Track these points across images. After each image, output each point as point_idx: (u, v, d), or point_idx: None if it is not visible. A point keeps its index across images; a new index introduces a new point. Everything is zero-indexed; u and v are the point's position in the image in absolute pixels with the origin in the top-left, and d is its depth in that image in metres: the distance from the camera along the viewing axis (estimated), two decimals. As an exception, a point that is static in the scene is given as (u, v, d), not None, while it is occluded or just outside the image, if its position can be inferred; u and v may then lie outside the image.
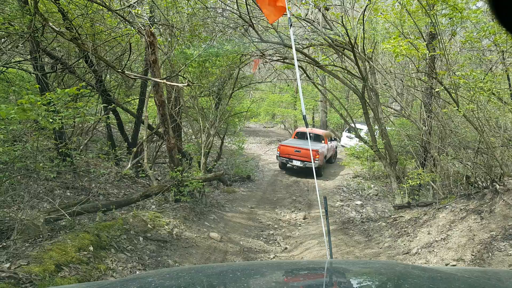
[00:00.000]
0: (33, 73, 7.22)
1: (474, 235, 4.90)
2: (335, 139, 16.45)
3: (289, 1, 8.79)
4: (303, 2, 8.79)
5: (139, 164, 8.92)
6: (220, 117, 10.03)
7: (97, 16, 7.36)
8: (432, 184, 7.66)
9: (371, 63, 7.90)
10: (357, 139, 10.72)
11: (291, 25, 4.58)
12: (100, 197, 6.98)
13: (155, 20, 7.77)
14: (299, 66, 9.21)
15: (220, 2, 9.17)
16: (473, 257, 4.52)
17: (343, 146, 18.82)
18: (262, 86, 22.04)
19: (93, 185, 7.37)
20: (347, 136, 19.23)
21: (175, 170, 7.12)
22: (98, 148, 10.18)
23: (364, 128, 11.78)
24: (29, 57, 7.00)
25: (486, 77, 5.79)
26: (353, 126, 9.97)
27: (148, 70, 8.12)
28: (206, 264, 5.04)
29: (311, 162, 4.33)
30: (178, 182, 7.14)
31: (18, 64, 7.41)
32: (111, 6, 6.78)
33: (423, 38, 7.43)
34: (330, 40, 7.72)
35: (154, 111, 10.61)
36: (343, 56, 8.56)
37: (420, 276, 1.61)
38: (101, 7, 6.62)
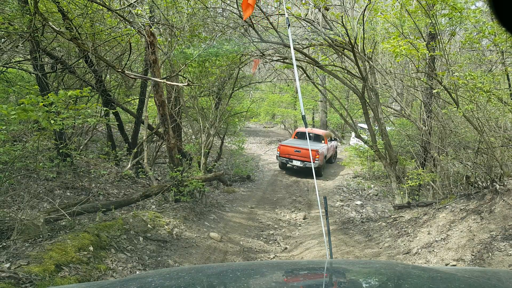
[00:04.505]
0: (33, 73, 7.22)
1: (474, 235, 4.90)
2: (335, 139, 16.45)
3: (289, 1, 8.80)
4: (303, 2, 8.79)
5: (139, 164, 8.92)
6: (220, 117, 10.04)
7: (97, 16, 7.36)
8: (432, 184, 7.66)
9: (371, 63, 7.90)
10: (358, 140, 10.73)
11: (289, 25, 4.58)
12: (100, 197, 6.98)
13: (155, 20, 7.77)
14: (299, 66, 9.23)
15: (220, 2, 9.16)
16: (473, 257, 4.52)
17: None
18: (262, 86, 22.04)
19: (93, 185, 7.37)
20: (355, 137, 19.18)
21: (175, 170, 7.12)
22: (98, 148, 10.19)
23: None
24: (29, 57, 7.01)
25: (485, 77, 5.79)
26: (353, 125, 9.97)
27: (148, 70, 8.13)
28: (206, 264, 5.04)
29: (311, 162, 4.33)
30: (178, 182, 7.13)
31: (18, 64, 7.41)
32: (111, 6, 6.78)
33: (423, 38, 7.43)
34: (330, 40, 7.71)
35: (154, 111, 10.61)
36: (343, 56, 8.55)
37: (420, 276, 1.61)
38: (101, 7, 6.62)
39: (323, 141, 14.22)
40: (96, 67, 8.26)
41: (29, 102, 3.77)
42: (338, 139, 19.75)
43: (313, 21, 8.16)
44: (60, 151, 6.58)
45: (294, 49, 4.81)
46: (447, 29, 7.69)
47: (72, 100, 4.48)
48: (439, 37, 6.72)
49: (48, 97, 4.08)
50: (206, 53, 7.96)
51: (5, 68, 6.92)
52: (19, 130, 5.24)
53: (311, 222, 8.50)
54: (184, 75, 9.29)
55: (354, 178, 12.69)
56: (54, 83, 8.03)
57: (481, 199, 5.61)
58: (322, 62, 8.78)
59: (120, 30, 8.17)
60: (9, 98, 8.23)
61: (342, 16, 7.41)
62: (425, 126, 8.53)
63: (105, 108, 8.09)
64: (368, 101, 8.24)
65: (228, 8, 8.27)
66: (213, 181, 10.20)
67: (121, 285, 1.52)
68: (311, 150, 5.60)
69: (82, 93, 4.28)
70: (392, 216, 7.34)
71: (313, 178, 3.99)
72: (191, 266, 4.52)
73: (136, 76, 6.97)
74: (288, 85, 22.45)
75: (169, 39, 7.88)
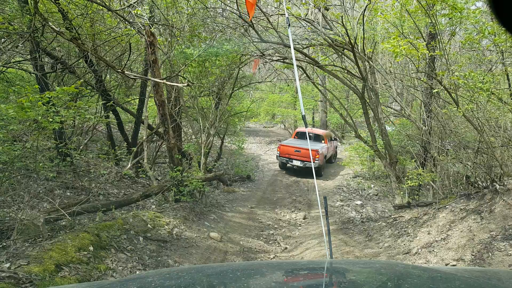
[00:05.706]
0: (33, 73, 7.21)
1: (474, 235, 4.90)
2: (335, 139, 16.45)
3: (289, 1, 8.79)
4: (303, 2, 8.79)
5: (139, 164, 8.92)
6: (220, 117, 10.03)
7: (97, 16, 7.36)
8: (432, 184, 7.66)
9: (371, 63, 7.90)
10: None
11: (289, 25, 4.58)
12: (100, 197, 6.98)
13: (155, 20, 7.77)
14: (299, 66, 9.23)
15: (220, 2, 9.16)
16: (473, 257, 4.52)
17: None
18: (262, 86, 22.03)
19: (93, 185, 7.37)
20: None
21: (175, 170, 7.12)
22: (98, 148, 10.18)
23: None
24: (29, 57, 7.00)
25: (485, 77, 5.79)
26: (353, 125, 9.97)
27: (148, 70, 8.12)
28: (206, 264, 5.04)
29: (311, 162, 4.33)
30: (178, 182, 7.13)
31: (18, 64, 7.41)
32: (111, 6, 6.78)
33: (423, 38, 7.43)
34: (330, 40, 7.71)
35: (154, 111, 10.61)
36: (343, 56, 8.55)
37: (420, 276, 1.61)
38: (101, 7, 6.61)
39: (323, 141, 14.22)
40: (96, 67, 8.26)
41: (27, 101, 3.78)
42: (338, 139, 19.76)
43: (313, 21, 8.16)
44: (60, 150, 6.58)
45: (294, 49, 4.81)
46: (447, 29, 7.68)
47: (71, 98, 4.49)
48: (439, 37, 6.72)
49: (46, 95, 4.08)
50: (206, 53, 7.96)
51: (5, 68, 6.91)
52: (19, 130, 5.24)
53: (311, 222, 8.49)
54: (184, 75, 9.28)
55: (354, 178, 12.69)
56: (54, 83, 8.02)
57: (481, 199, 5.61)
58: (322, 62, 8.78)
59: (120, 30, 8.17)
60: (9, 98, 8.22)
61: (342, 16, 7.41)
62: (425, 126, 8.53)
63: (103, 102, 8.09)
64: (368, 101, 8.23)
65: (228, 8, 8.27)
66: (213, 181, 10.20)
67: (121, 285, 1.52)
68: (311, 150, 5.60)
69: (78, 89, 4.28)
70: (392, 216, 7.34)
71: (313, 178, 3.99)
72: (191, 266, 4.52)
73: (136, 76, 6.98)
74: (288, 85, 22.44)
75: (169, 39, 7.88)
